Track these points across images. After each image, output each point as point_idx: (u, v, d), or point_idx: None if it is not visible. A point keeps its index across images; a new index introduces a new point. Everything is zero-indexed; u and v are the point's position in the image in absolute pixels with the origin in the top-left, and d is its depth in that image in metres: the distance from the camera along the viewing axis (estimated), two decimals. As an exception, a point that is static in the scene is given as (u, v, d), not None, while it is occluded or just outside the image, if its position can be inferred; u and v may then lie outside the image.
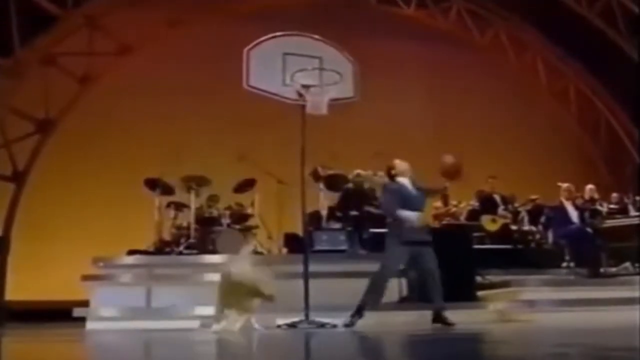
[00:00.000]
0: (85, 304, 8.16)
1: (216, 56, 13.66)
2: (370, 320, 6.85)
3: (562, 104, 17.55)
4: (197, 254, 9.09)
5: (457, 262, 8.18)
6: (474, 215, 11.21)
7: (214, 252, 9.07)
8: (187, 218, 9.73)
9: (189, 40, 14.74)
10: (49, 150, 13.85)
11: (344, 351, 4.18)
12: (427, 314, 6.95)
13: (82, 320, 7.97)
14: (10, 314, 11.91)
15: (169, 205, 9.94)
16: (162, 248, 9.45)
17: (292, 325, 6.69)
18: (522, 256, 9.97)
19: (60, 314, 8.57)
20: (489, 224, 10.83)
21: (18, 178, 13.59)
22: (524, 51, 17.39)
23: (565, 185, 9.89)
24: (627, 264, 9.50)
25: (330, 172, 10.22)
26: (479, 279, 8.80)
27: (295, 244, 9.24)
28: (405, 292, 8.36)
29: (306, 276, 7.03)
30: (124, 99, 14.07)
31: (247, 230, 9.99)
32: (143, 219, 10.03)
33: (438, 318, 6.79)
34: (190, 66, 14.34)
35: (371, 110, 13.56)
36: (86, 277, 8.33)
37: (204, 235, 9.50)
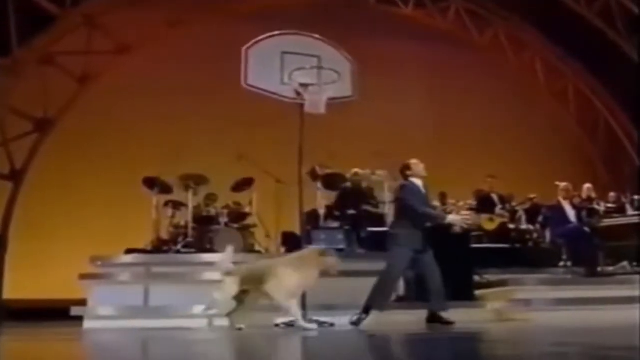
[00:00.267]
0: (83, 302, 8.15)
1: (215, 56, 13.66)
2: (367, 320, 6.85)
3: (561, 103, 17.57)
4: (195, 252, 9.08)
5: (454, 262, 8.17)
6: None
7: (211, 250, 9.07)
8: (185, 217, 9.73)
9: (188, 40, 14.73)
10: (47, 149, 13.85)
11: (342, 350, 4.18)
12: (424, 314, 6.95)
13: (79, 319, 7.96)
14: (8, 312, 11.90)
15: (166, 204, 9.94)
16: (159, 247, 9.45)
17: (290, 324, 6.69)
18: (519, 255, 9.97)
19: (58, 313, 8.56)
20: (487, 223, 10.84)
21: (16, 177, 13.59)
22: (523, 51, 17.40)
23: (563, 184, 9.90)
24: (625, 263, 9.51)
25: (328, 171, 10.22)
26: (476, 278, 8.80)
27: (293, 243, 9.23)
28: (402, 292, 8.36)
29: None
30: (122, 99, 14.06)
31: (245, 229, 10.00)
32: (141, 217, 10.02)
33: (434, 318, 6.79)
34: (189, 66, 14.34)
35: (369, 109, 13.57)
36: (84, 276, 8.32)
37: (202, 234, 9.49)
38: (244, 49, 7.82)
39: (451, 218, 7.23)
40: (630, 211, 10.67)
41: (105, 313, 8.08)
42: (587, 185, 11.29)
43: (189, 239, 9.39)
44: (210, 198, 10.18)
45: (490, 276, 8.91)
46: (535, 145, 16.28)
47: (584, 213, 10.10)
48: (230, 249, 6.59)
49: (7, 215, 13.37)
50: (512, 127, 16.29)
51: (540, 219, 10.69)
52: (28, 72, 13.51)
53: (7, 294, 12.83)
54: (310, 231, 9.10)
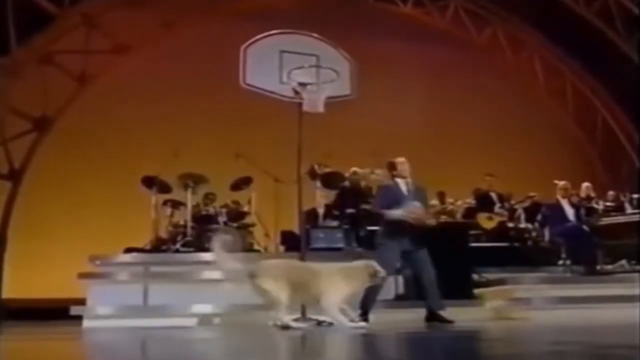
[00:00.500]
0: (82, 302, 8.16)
1: (213, 55, 13.65)
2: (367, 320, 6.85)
3: (559, 103, 17.58)
4: (194, 251, 9.09)
5: (453, 260, 8.19)
6: (470, 213, 11.22)
7: (210, 249, 9.06)
8: (184, 216, 9.74)
9: (187, 40, 14.73)
10: (45, 148, 13.83)
11: (341, 349, 4.18)
12: (422, 312, 6.95)
13: (79, 318, 7.97)
14: (8, 312, 11.89)
15: (165, 203, 9.94)
16: (158, 246, 9.45)
17: (286, 326, 6.68)
18: (518, 254, 9.97)
19: (57, 312, 8.56)
20: (486, 221, 10.84)
21: (15, 176, 13.58)
22: (521, 50, 17.40)
23: (561, 183, 9.91)
24: (623, 262, 9.52)
25: (327, 170, 10.23)
26: (475, 276, 8.81)
27: (292, 242, 9.24)
28: (401, 290, 8.37)
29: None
30: (121, 98, 14.05)
31: (244, 228, 10.00)
32: (140, 217, 10.02)
33: (433, 316, 6.79)
34: (188, 65, 14.33)
35: (368, 108, 13.57)
36: (83, 275, 8.33)
37: (201, 233, 9.49)
38: (242, 48, 7.82)
39: (395, 214, 7.00)
40: (629, 210, 10.68)
41: (105, 312, 8.09)
42: (586, 184, 11.30)
43: (188, 238, 9.39)
44: (209, 197, 10.19)
45: (489, 275, 8.92)
46: (533, 144, 16.29)
47: (582, 212, 10.10)
48: (218, 246, 6.48)
49: (6, 215, 13.36)
50: (511, 127, 16.29)
51: (539, 217, 10.69)
52: (27, 72, 13.50)
53: (6, 294, 12.82)
54: (309, 230, 9.11)
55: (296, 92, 7.55)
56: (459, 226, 10.59)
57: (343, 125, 13.13)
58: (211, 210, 10.01)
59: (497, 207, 11.01)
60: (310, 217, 9.51)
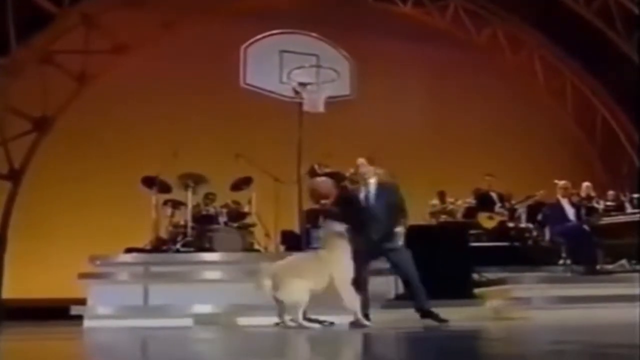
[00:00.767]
0: (82, 302, 8.16)
1: (214, 55, 13.64)
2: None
3: (559, 102, 17.57)
4: (194, 251, 9.08)
5: (453, 260, 8.21)
6: (470, 212, 11.22)
7: (210, 250, 9.07)
8: (184, 216, 9.72)
9: (187, 39, 14.71)
10: (45, 148, 13.82)
11: (342, 349, 4.18)
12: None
13: (79, 318, 7.97)
14: (7, 312, 11.89)
15: (166, 203, 9.93)
16: (159, 246, 9.44)
17: (290, 325, 6.68)
18: (518, 253, 9.98)
19: (58, 312, 8.57)
20: (486, 221, 10.85)
21: (15, 176, 13.57)
22: (521, 50, 17.39)
23: (561, 182, 9.91)
24: (624, 261, 9.52)
25: (327, 170, 10.22)
26: (475, 276, 8.81)
27: (293, 242, 9.24)
28: (401, 290, 8.36)
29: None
30: (121, 98, 14.04)
31: (244, 228, 10.00)
32: (140, 217, 10.01)
33: (426, 314, 6.77)
34: (188, 65, 14.32)
35: (368, 108, 13.58)
36: (83, 275, 8.33)
37: (201, 233, 9.49)
38: (242, 47, 7.85)
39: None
40: (629, 209, 10.68)
41: (105, 312, 8.09)
42: (586, 184, 11.30)
43: (188, 238, 9.38)
44: (209, 197, 10.18)
45: (490, 274, 8.92)
46: (533, 144, 16.28)
47: (583, 211, 10.10)
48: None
49: (6, 215, 13.35)
50: (511, 126, 16.28)
51: (539, 217, 10.69)
52: (27, 72, 13.48)
53: (7, 294, 12.82)
54: (310, 230, 9.10)
55: (296, 92, 7.57)
56: (460, 226, 10.62)
57: (343, 125, 13.12)
58: (211, 210, 10.00)
59: (497, 207, 11.02)
60: (310, 217, 9.50)
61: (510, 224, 10.88)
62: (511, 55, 17.41)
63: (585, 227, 9.67)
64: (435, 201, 11.67)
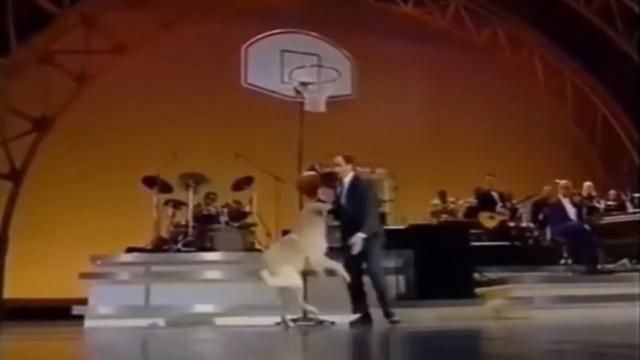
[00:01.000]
0: (83, 302, 8.16)
1: (214, 55, 13.65)
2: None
3: (559, 102, 17.57)
4: (195, 251, 9.09)
5: (455, 259, 8.21)
6: (472, 212, 11.23)
7: (211, 249, 9.08)
8: (185, 216, 9.72)
9: (188, 39, 14.71)
10: (46, 148, 13.82)
11: (341, 348, 4.19)
12: (425, 311, 6.96)
13: (80, 318, 7.97)
14: (9, 312, 11.90)
15: (167, 203, 9.93)
16: (160, 246, 9.44)
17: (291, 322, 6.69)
18: (520, 253, 9.98)
19: (59, 312, 8.57)
20: (487, 220, 10.85)
21: (15, 176, 13.57)
22: (521, 49, 17.39)
23: (563, 182, 9.91)
24: (625, 261, 9.52)
25: (328, 169, 10.21)
26: (476, 276, 8.81)
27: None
28: (402, 289, 8.37)
29: (304, 274, 7.03)
30: (121, 98, 14.04)
31: (245, 228, 10.00)
32: (141, 216, 10.01)
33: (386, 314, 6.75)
34: (189, 65, 14.32)
35: (368, 107, 13.58)
36: (84, 275, 8.34)
37: (202, 233, 9.49)
38: (243, 47, 7.87)
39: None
40: (630, 209, 10.68)
41: (106, 312, 8.10)
42: (588, 183, 11.30)
43: (189, 238, 9.38)
44: (210, 197, 10.18)
45: (491, 274, 8.93)
46: (533, 143, 16.27)
47: (584, 211, 10.10)
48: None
49: (7, 215, 13.35)
50: (511, 126, 16.28)
51: (540, 216, 10.70)
52: (27, 72, 13.48)
53: (8, 294, 12.82)
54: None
55: (297, 92, 7.57)
56: (461, 225, 10.62)
57: (344, 125, 13.12)
58: (212, 210, 10.00)
59: (498, 207, 11.02)
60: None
61: (511, 224, 10.89)
62: (511, 55, 17.40)
63: (587, 226, 9.68)
64: (436, 201, 11.67)
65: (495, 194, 11.20)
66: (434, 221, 11.03)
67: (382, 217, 10.11)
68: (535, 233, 10.68)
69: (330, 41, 8.12)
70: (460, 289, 8.07)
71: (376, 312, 6.85)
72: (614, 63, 15.57)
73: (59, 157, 13.62)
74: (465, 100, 16.23)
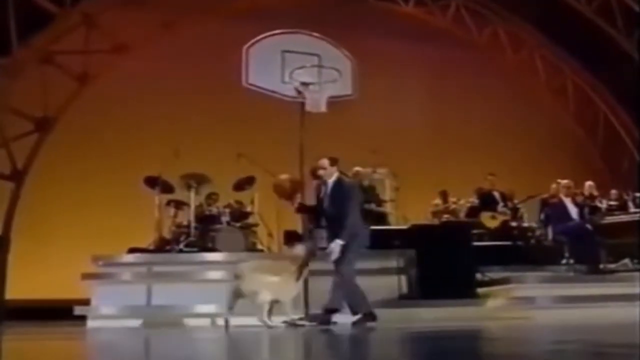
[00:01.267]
0: (85, 302, 8.17)
1: (214, 55, 13.66)
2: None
3: (560, 101, 17.57)
4: (197, 251, 9.10)
5: (456, 259, 8.22)
6: (473, 212, 11.22)
7: (213, 249, 9.09)
8: (187, 216, 9.73)
9: (187, 40, 14.72)
10: (47, 148, 13.82)
11: (342, 348, 4.19)
12: (426, 311, 6.96)
13: (83, 318, 7.98)
14: (11, 312, 11.91)
15: (168, 203, 9.93)
16: (162, 246, 9.45)
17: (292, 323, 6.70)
18: (521, 253, 9.98)
19: (62, 313, 8.58)
20: (489, 220, 10.84)
21: (17, 177, 13.57)
22: (522, 49, 17.38)
23: (564, 181, 9.91)
24: (627, 261, 9.51)
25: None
26: (478, 275, 8.82)
27: (295, 241, 9.24)
28: (405, 289, 8.38)
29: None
30: (122, 98, 14.05)
31: (247, 228, 10.01)
32: (143, 217, 10.02)
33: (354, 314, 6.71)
34: (190, 65, 14.34)
35: (369, 107, 13.57)
36: (86, 276, 8.35)
37: (204, 233, 9.51)
38: (244, 47, 7.86)
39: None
40: (632, 208, 10.67)
41: (108, 312, 8.11)
42: (589, 183, 11.30)
43: (191, 238, 9.39)
44: (212, 197, 10.19)
45: (493, 274, 8.93)
46: (534, 143, 16.27)
47: (586, 210, 10.10)
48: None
49: (9, 216, 13.35)
50: (511, 126, 16.28)
51: (541, 216, 10.69)
52: (27, 72, 13.49)
53: (10, 294, 12.83)
54: (312, 230, 9.11)
55: (298, 92, 7.57)
56: (462, 225, 10.62)
57: (344, 125, 13.13)
58: (214, 210, 10.01)
59: (500, 206, 11.01)
60: (312, 217, 9.51)
61: (513, 224, 10.88)
62: (512, 55, 17.40)
63: (588, 226, 9.68)
64: (438, 201, 11.67)
65: (496, 194, 11.19)
66: (436, 221, 11.03)
67: (384, 217, 10.14)
68: (537, 233, 10.69)
69: (330, 41, 8.11)
70: (462, 289, 8.08)
71: (380, 312, 6.85)
72: (615, 62, 15.56)
73: (60, 157, 13.62)
74: (466, 99, 16.23)
